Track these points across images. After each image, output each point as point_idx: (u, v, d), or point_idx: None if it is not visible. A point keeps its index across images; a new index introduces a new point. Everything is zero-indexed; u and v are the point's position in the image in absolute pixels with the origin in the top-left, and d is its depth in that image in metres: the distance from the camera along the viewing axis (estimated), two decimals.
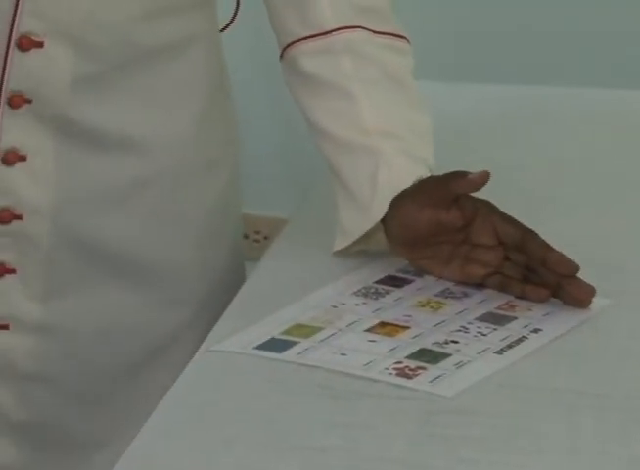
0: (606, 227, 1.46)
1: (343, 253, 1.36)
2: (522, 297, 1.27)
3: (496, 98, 1.86)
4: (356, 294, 1.30)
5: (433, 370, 1.16)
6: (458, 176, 1.30)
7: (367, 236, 1.34)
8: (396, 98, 1.38)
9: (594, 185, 1.57)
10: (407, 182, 1.31)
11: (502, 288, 1.28)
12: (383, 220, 1.32)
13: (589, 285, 1.25)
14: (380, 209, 1.32)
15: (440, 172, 1.34)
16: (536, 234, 1.26)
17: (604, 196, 1.55)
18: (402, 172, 1.33)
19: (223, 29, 1.46)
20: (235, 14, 1.47)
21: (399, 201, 1.31)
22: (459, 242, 1.30)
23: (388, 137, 1.36)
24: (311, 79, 1.39)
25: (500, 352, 1.19)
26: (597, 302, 1.26)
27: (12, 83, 1.33)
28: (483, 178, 1.28)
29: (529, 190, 1.50)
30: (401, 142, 1.36)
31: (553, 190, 1.54)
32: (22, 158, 1.35)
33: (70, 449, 1.44)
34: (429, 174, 1.33)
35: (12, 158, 1.34)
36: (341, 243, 1.35)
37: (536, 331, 1.22)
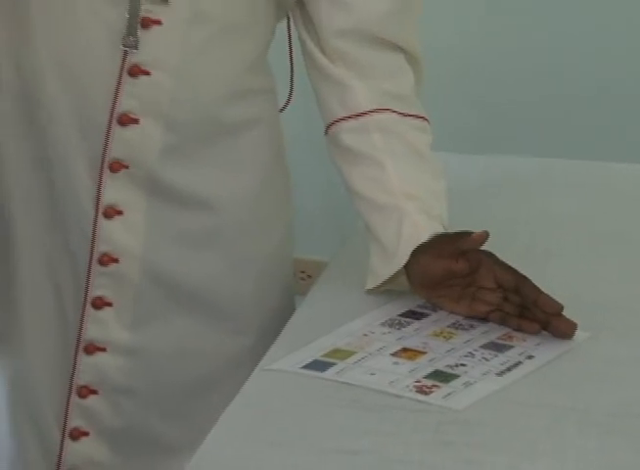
0: (591, 273, 1.45)
1: (373, 291, 1.36)
2: (518, 329, 1.27)
3: (500, 167, 1.84)
4: (383, 324, 1.30)
5: (445, 388, 1.17)
6: (464, 235, 1.29)
7: (392, 278, 1.34)
8: (418, 167, 1.38)
9: (583, 239, 1.55)
10: (425, 236, 1.31)
11: (502, 322, 1.28)
12: (405, 266, 1.32)
13: (572, 321, 1.25)
14: (403, 257, 1.32)
15: (453, 228, 1.33)
16: (529, 280, 1.26)
17: (590, 248, 1.53)
18: (421, 228, 1.33)
19: (282, 110, 1.47)
20: (289, 98, 1.46)
21: (419, 251, 1.31)
22: (467, 284, 1.29)
23: (411, 199, 1.35)
24: (349, 151, 1.38)
25: (500, 374, 1.20)
26: (580, 334, 1.27)
27: (112, 152, 1.33)
28: (483, 237, 1.28)
29: (526, 242, 1.49)
30: (421, 203, 1.35)
31: (547, 243, 1.52)
32: (120, 212, 1.35)
33: (154, 453, 1.43)
34: (443, 230, 1.33)
35: (111, 212, 1.34)
36: (371, 283, 1.35)
37: (530, 357, 1.23)
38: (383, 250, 1.34)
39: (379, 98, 1.36)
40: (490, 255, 1.28)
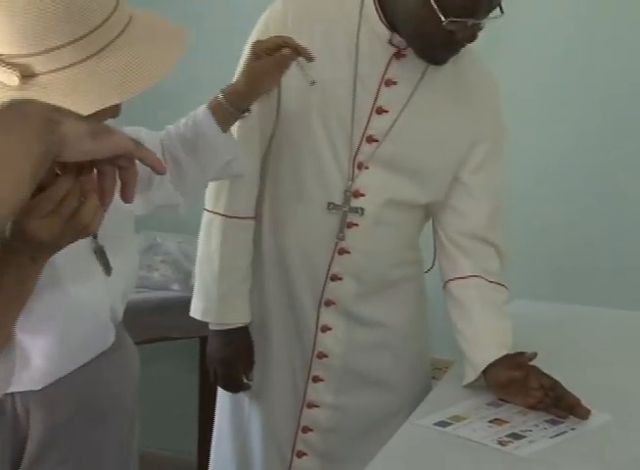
0: (613, 379, 1.57)
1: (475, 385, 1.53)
2: (555, 415, 1.43)
3: (559, 313, 1.89)
4: (487, 404, 1.47)
5: (516, 443, 1.34)
6: (521, 354, 1.51)
7: (477, 380, 1.52)
8: (494, 312, 1.55)
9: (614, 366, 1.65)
10: (494, 358, 1.50)
11: (544, 410, 1.44)
12: (484, 375, 1.51)
13: (586, 408, 1.42)
14: (480, 368, 1.50)
15: (516, 350, 1.52)
16: (560, 383, 1.43)
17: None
18: (494, 351, 1.50)
19: (427, 271, 1.67)
20: (432, 265, 1.67)
21: (492, 365, 1.50)
22: (520, 386, 1.45)
23: (488, 333, 1.52)
24: (456, 300, 1.58)
25: (552, 437, 1.37)
26: (602, 416, 1.41)
27: (327, 295, 1.58)
28: (533, 355, 1.49)
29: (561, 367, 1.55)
30: (494, 335, 1.52)
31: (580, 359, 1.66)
32: (330, 328, 1.59)
33: (343, 463, 1.63)
34: (506, 352, 1.52)
35: (325, 329, 1.59)
36: (465, 382, 1.54)
37: (573, 429, 1.41)
38: (470, 364, 1.53)
39: (476, 269, 1.57)
40: (536, 368, 1.48)
